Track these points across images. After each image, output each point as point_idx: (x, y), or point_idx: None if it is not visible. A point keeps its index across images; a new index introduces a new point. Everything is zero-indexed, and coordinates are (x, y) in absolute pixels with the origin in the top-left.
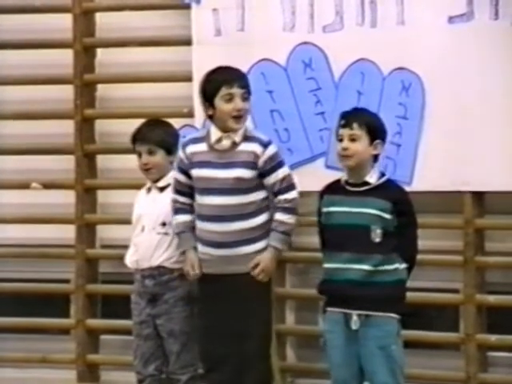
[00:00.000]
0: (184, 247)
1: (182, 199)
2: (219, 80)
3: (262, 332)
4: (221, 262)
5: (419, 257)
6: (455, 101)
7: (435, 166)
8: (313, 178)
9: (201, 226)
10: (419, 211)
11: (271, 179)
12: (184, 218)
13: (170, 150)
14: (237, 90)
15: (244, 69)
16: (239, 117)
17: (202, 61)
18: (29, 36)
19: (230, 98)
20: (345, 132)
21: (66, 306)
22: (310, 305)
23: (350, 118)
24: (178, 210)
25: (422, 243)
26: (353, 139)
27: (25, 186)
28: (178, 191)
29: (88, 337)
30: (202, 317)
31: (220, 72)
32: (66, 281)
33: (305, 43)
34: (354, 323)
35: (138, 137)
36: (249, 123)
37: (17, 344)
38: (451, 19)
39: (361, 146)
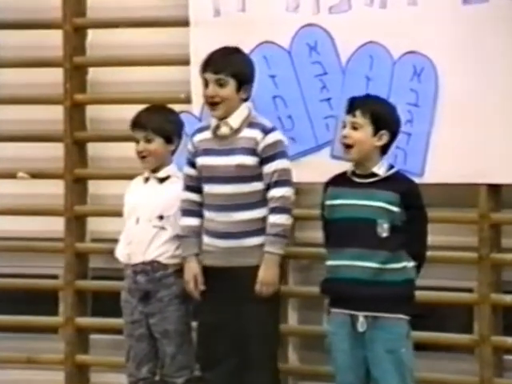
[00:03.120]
0: (185, 253)
1: (192, 196)
2: (201, 64)
3: (269, 331)
4: (225, 253)
5: (431, 253)
6: (470, 87)
7: (448, 156)
8: (317, 168)
9: (206, 216)
10: (431, 204)
11: (265, 169)
12: (190, 221)
13: (170, 138)
14: (209, 76)
15: (245, 52)
16: (213, 103)
17: (200, 43)
18: (15, 16)
19: (206, 84)
20: (348, 119)
21: (54, 303)
22: (314, 303)
23: (354, 104)
24: (185, 211)
25: (434, 239)
26: (355, 127)
27: (11, 175)
28: (188, 187)
29: (77, 336)
30: (202, 312)
31: (208, 55)
32: (55, 276)
33: (310, 25)
34: (361, 325)
35: (136, 122)
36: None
37: (1, 343)
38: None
39: (362, 135)
